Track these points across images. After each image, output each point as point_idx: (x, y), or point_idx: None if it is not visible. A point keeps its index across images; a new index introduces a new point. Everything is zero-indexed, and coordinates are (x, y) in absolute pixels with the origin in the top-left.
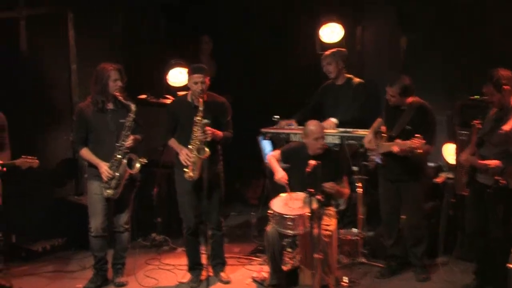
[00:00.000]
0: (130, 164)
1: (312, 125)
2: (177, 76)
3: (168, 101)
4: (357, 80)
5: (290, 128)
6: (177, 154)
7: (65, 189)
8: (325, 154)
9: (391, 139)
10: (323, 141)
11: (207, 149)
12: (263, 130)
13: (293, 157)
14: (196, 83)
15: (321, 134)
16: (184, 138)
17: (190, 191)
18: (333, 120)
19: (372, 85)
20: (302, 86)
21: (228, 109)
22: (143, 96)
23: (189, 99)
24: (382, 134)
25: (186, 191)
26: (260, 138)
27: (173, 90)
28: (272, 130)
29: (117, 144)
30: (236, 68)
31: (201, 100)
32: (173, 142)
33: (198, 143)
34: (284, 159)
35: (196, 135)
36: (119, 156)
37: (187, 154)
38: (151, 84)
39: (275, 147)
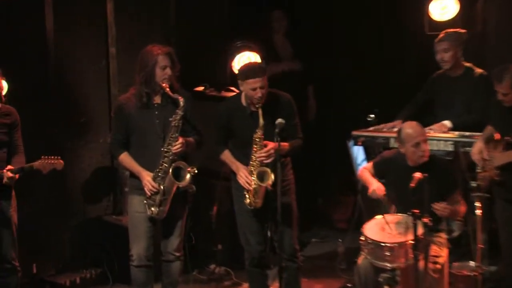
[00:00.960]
0: (177, 175)
1: (408, 127)
2: (245, 63)
3: (234, 94)
4: (478, 71)
5: (390, 131)
6: (231, 172)
7: (100, 206)
8: (432, 164)
9: (509, 147)
10: (426, 146)
11: (272, 175)
12: (355, 132)
13: (389, 170)
14: (254, 89)
15: (422, 138)
16: (239, 152)
17: (251, 209)
18: (447, 123)
19: None
20: (405, 76)
21: (295, 109)
22: (200, 88)
23: (243, 102)
24: (497, 142)
25: (246, 210)
26: (350, 143)
27: (236, 81)
28: (366, 133)
29: (163, 149)
30: (318, 52)
31: (261, 113)
32: (227, 157)
33: (259, 164)
34: (378, 173)
35: (256, 155)
36: (165, 165)
37: (246, 177)
38: (211, 73)
39: (369, 155)
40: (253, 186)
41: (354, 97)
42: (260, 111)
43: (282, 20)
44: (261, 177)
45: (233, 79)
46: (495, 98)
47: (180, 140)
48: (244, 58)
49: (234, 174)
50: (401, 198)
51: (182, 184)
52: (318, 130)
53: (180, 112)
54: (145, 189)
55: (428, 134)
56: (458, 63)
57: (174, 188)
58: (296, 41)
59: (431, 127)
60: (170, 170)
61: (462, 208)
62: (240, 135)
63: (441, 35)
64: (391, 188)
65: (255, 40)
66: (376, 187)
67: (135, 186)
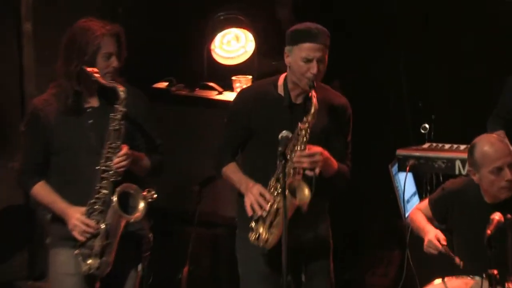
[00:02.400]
0: (125, 205)
1: (485, 143)
2: (231, 46)
3: (214, 94)
4: None
5: (456, 150)
6: (238, 195)
7: (10, 266)
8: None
9: None
10: (511, 175)
11: (306, 190)
12: (401, 152)
13: (454, 209)
14: (308, 59)
15: (507, 160)
16: (258, 165)
17: (264, 271)
18: None
19: None
20: (479, 67)
21: (350, 120)
22: (163, 85)
23: (279, 89)
24: None
25: (257, 271)
26: (393, 168)
27: (221, 74)
28: (418, 153)
29: (99, 168)
30: (342, 34)
31: (315, 95)
32: (232, 171)
33: (291, 173)
34: (439, 214)
35: (289, 157)
36: (105, 192)
37: (261, 195)
38: (179, 62)
39: (423, 187)
40: (270, 207)
41: (401, 97)
42: (314, 93)
43: None
44: (294, 190)
45: (213, 70)
46: None
47: (124, 150)
48: (230, 38)
49: (240, 203)
50: (472, 252)
51: (133, 217)
52: None
53: (120, 108)
54: (75, 232)
55: None
56: None
57: (122, 226)
58: (311, 20)
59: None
60: (114, 198)
61: None
62: (265, 138)
63: None
64: (458, 237)
65: (248, 11)
66: (433, 236)
67: (60, 235)
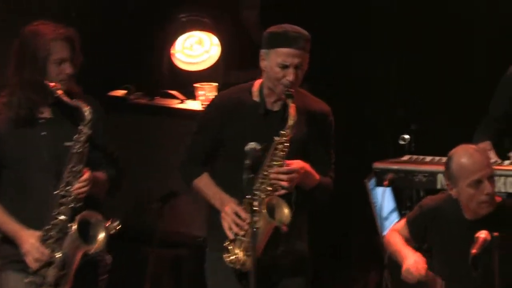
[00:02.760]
0: (85, 234)
1: (464, 155)
2: (194, 50)
3: (175, 103)
4: None
5: (438, 162)
6: (211, 211)
7: None
8: (503, 217)
9: None
10: (491, 188)
11: (286, 209)
12: (378, 165)
13: (434, 228)
14: (285, 66)
15: (486, 172)
16: (231, 178)
17: (236, 274)
18: None
19: None
20: (465, 76)
21: (332, 129)
22: (120, 93)
23: (255, 95)
24: None
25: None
26: (370, 183)
27: (183, 81)
28: (397, 166)
29: (57, 193)
30: (315, 38)
31: (293, 105)
32: (205, 184)
33: (270, 191)
34: (417, 235)
35: (266, 173)
36: (62, 218)
37: (236, 215)
38: (138, 68)
39: (403, 203)
40: (247, 228)
41: (379, 104)
42: (291, 103)
43: None
44: (271, 210)
45: (175, 77)
46: None
47: (86, 175)
48: (192, 42)
49: (212, 221)
50: (454, 272)
51: (93, 249)
52: None
53: (85, 130)
54: (28, 259)
55: (496, 167)
56: None
57: (79, 256)
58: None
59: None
60: (74, 226)
61: None
62: (237, 149)
63: None
64: (439, 258)
65: (213, 13)
66: (412, 263)
67: (10, 257)
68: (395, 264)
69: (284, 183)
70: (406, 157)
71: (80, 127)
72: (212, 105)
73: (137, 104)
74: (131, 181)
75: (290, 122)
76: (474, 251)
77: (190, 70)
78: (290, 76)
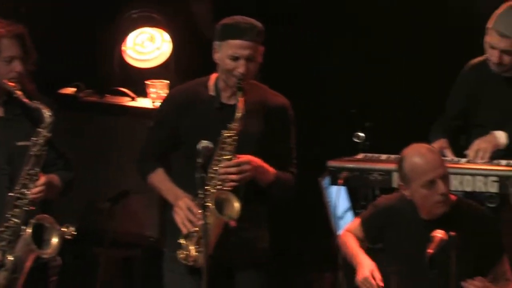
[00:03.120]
0: (39, 239)
1: (416, 155)
2: (145, 47)
3: (126, 101)
4: None
5: (394, 160)
6: (164, 206)
7: None
8: (459, 217)
9: None
10: (445, 187)
11: (236, 204)
12: (332, 164)
13: (388, 229)
14: (235, 57)
15: (439, 172)
16: (188, 173)
17: (188, 272)
18: (499, 136)
19: None
20: (420, 73)
21: (292, 122)
22: (70, 91)
23: (210, 89)
24: None
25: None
26: (324, 181)
27: (134, 78)
28: (351, 165)
29: (12, 195)
30: (268, 33)
31: (241, 98)
32: (160, 180)
33: (220, 186)
34: (371, 236)
35: (216, 167)
36: (16, 221)
37: (189, 210)
38: (88, 65)
39: (358, 202)
40: (200, 222)
41: (332, 102)
42: (240, 97)
43: None
44: (220, 205)
45: (126, 74)
46: None
47: (42, 179)
48: (143, 38)
49: (167, 219)
50: (410, 273)
51: (46, 253)
52: None
53: (44, 133)
54: None
55: (452, 165)
56: None
57: (31, 260)
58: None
59: (471, 148)
60: (28, 230)
61: None
62: (194, 143)
63: (497, 15)
64: (394, 258)
65: (164, 9)
66: (368, 272)
67: None
68: (350, 265)
69: (234, 176)
70: (361, 155)
71: (39, 129)
72: (168, 100)
73: (87, 102)
74: (81, 180)
75: (238, 115)
76: (430, 250)
77: (141, 67)
78: (241, 68)
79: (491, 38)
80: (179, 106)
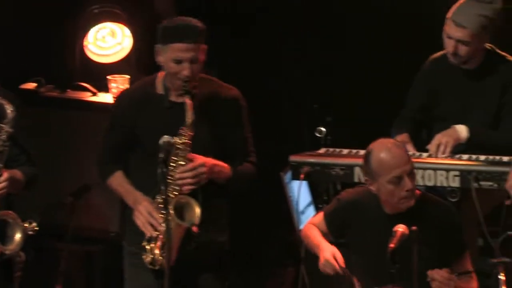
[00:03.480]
0: (2, 235)
1: (383, 150)
2: (106, 42)
3: (87, 96)
4: (510, 59)
5: (355, 155)
6: (124, 209)
7: None
8: (423, 212)
9: None
10: (412, 184)
11: (197, 208)
12: (294, 158)
13: (352, 223)
14: (179, 61)
15: (405, 168)
16: (145, 175)
17: (154, 274)
18: (460, 130)
19: None
20: (381, 67)
21: (245, 113)
22: (31, 86)
23: (159, 88)
24: None
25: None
26: (286, 176)
27: (96, 72)
28: (313, 159)
29: None
30: (227, 28)
31: (190, 103)
32: (119, 183)
33: (177, 191)
34: (335, 229)
35: (173, 173)
36: None
37: (150, 214)
38: (49, 60)
39: (319, 197)
40: (162, 227)
41: (295, 97)
42: (188, 101)
43: None
44: (180, 210)
45: (87, 69)
46: None
47: (5, 175)
48: (105, 33)
49: (127, 219)
50: (373, 268)
51: (9, 249)
52: None
53: (7, 129)
54: None
55: (414, 159)
56: (479, 51)
57: None
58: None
59: (433, 143)
60: None
61: (474, 284)
62: (149, 144)
63: (457, 5)
64: (357, 253)
65: (125, 4)
66: (330, 255)
67: None
68: (312, 259)
69: (190, 180)
70: (322, 150)
71: (1, 125)
72: (119, 103)
73: (48, 97)
74: (43, 175)
75: (188, 121)
76: (392, 245)
77: (102, 62)
78: (185, 71)
79: (449, 28)
80: (130, 108)
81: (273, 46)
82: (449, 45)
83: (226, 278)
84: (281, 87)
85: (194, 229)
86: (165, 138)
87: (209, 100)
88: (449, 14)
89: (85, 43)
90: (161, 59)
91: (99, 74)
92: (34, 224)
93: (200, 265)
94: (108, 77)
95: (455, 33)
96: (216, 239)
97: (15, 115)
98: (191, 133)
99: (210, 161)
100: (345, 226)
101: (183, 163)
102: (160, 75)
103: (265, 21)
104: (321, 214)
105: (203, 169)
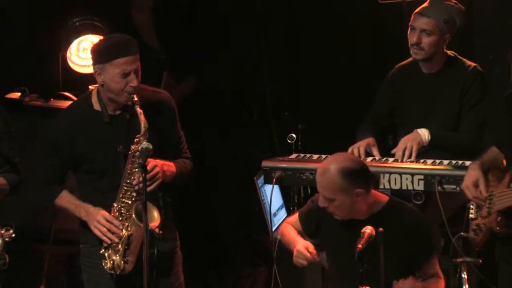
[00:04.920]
0: None
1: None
2: (87, 53)
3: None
4: (469, 63)
5: (322, 160)
6: (80, 221)
7: None
8: (388, 214)
9: None
10: (323, 202)
11: (155, 212)
12: (266, 163)
13: (324, 223)
14: (125, 74)
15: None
16: (92, 189)
17: (115, 280)
18: (422, 134)
19: (491, 72)
20: (350, 68)
21: (176, 113)
22: (15, 95)
23: (95, 105)
24: (503, 173)
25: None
26: (259, 180)
27: (78, 82)
28: (284, 164)
29: None
30: (203, 29)
31: (141, 111)
32: (67, 200)
33: (134, 195)
34: (308, 229)
35: (129, 180)
36: None
37: (108, 222)
38: (32, 71)
39: (290, 200)
40: (124, 233)
41: (266, 106)
42: (138, 109)
43: None
44: (140, 213)
45: (69, 80)
46: (507, 101)
47: None
48: (86, 45)
49: (84, 230)
50: (341, 268)
51: None
52: (207, 161)
53: None
54: None
55: (380, 164)
56: (439, 53)
57: None
58: (167, 23)
59: (398, 148)
60: None
61: (441, 285)
62: (94, 160)
63: (428, 3)
64: (329, 253)
65: (105, 16)
66: (302, 246)
67: None
68: (285, 260)
69: (147, 183)
70: (293, 156)
71: None
72: (56, 126)
73: (32, 106)
74: (28, 181)
75: (143, 129)
76: (359, 246)
77: (84, 73)
78: (133, 82)
79: (413, 20)
80: (67, 131)
81: (245, 54)
82: (412, 36)
83: (178, 277)
84: (255, 97)
85: (156, 230)
86: (145, 144)
87: (145, 106)
88: (416, 10)
89: (67, 54)
90: (102, 78)
91: (80, 84)
92: (11, 231)
93: (157, 271)
94: (90, 86)
95: (419, 23)
96: (168, 245)
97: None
98: (145, 139)
99: (159, 162)
100: (318, 227)
101: (138, 168)
102: (94, 92)
103: (233, 28)
104: (297, 214)
105: (157, 170)
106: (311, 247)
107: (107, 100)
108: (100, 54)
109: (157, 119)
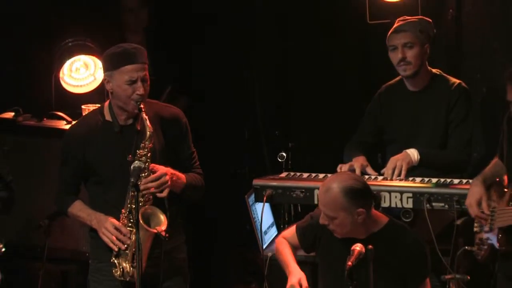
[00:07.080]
0: None
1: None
2: (80, 74)
3: (63, 124)
4: (454, 81)
5: (315, 179)
6: (89, 230)
7: None
8: (387, 236)
9: None
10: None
11: (162, 216)
12: (257, 182)
13: (322, 239)
14: (132, 81)
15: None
16: (105, 198)
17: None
18: (411, 152)
19: (478, 90)
20: (338, 88)
21: (188, 129)
22: (9, 115)
23: (107, 115)
24: (504, 190)
25: None
26: (250, 199)
27: (71, 102)
28: (275, 183)
29: None
30: (194, 51)
31: (146, 117)
32: (79, 209)
33: (141, 201)
34: (305, 243)
35: (141, 182)
36: None
37: (116, 229)
38: (26, 91)
39: (281, 218)
40: (133, 239)
41: (256, 125)
42: (145, 115)
43: (136, 11)
44: (148, 219)
45: (62, 100)
46: (509, 115)
47: None
48: (78, 65)
49: (93, 240)
50: (335, 285)
51: None
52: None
53: None
54: None
55: (370, 182)
56: (424, 69)
57: None
58: (161, 44)
59: (388, 167)
60: None
61: None
62: (103, 169)
63: (398, 22)
64: (323, 269)
65: (97, 37)
66: (296, 280)
67: None
68: (276, 276)
69: (154, 190)
70: (284, 174)
71: None
72: (68, 137)
73: (26, 125)
74: (21, 199)
75: (148, 133)
76: (349, 263)
77: (76, 93)
78: (140, 89)
79: (391, 41)
80: (80, 140)
81: (235, 74)
82: (396, 55)
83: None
84: (244, 116)
85: (163, 233)
86: (137, 163)
87: (155, 121)
88: (390, 31)
89: (60, 74)
90: (110, 85)
91: (73, 104)
92: (1, 245)
93: (163, 277)
94: (82, 106)
95: (398, 40)
96: (175, 249)
97: None
98: (150, 145)
99: (170, 170)
100: (315, 242)
101: (145, 173)
102: (106, 104)
103: (225, 44)
104: (293, 228)
105: (166, 178)
106: (304, 281)
107: (117, 109)
108: (108, 61)
109: (169, 133)
